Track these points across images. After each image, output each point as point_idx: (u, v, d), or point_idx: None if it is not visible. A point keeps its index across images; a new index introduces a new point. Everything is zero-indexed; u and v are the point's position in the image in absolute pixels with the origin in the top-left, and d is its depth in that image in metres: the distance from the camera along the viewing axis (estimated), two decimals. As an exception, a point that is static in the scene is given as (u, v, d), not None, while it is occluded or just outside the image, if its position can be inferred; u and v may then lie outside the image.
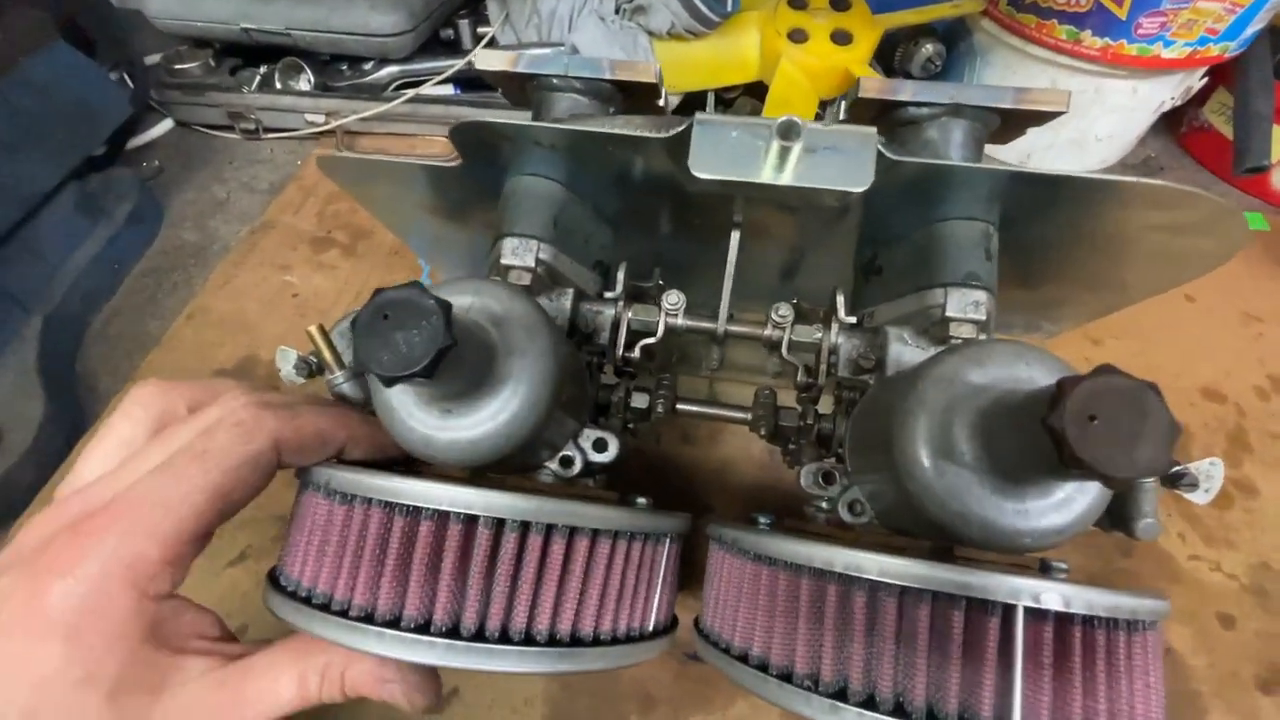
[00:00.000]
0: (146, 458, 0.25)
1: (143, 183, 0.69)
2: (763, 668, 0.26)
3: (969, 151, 0.37)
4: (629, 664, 0.28)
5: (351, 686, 0.26)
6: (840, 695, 0.24)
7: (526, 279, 0.35)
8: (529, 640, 0.25)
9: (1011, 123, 0.37)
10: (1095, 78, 0.66)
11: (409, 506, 0.25)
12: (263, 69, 0.79)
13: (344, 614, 0.25)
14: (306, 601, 0.26)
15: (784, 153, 0.29)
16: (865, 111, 0.38)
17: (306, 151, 0.77)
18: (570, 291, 0.36)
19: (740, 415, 0.40)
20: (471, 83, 0.77)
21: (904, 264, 0.38)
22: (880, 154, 0.30)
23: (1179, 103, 0.69)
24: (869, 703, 0.23)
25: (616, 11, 0.70)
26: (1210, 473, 0.30)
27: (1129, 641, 0.24)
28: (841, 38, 0.68)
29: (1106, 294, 0.44)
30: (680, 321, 0.37)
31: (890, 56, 0.78)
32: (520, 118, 0.35)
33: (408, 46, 0.73)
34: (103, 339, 0.61)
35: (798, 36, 0.68)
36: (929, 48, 0.75)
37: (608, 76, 0.38)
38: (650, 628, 0.30)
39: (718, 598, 0.31)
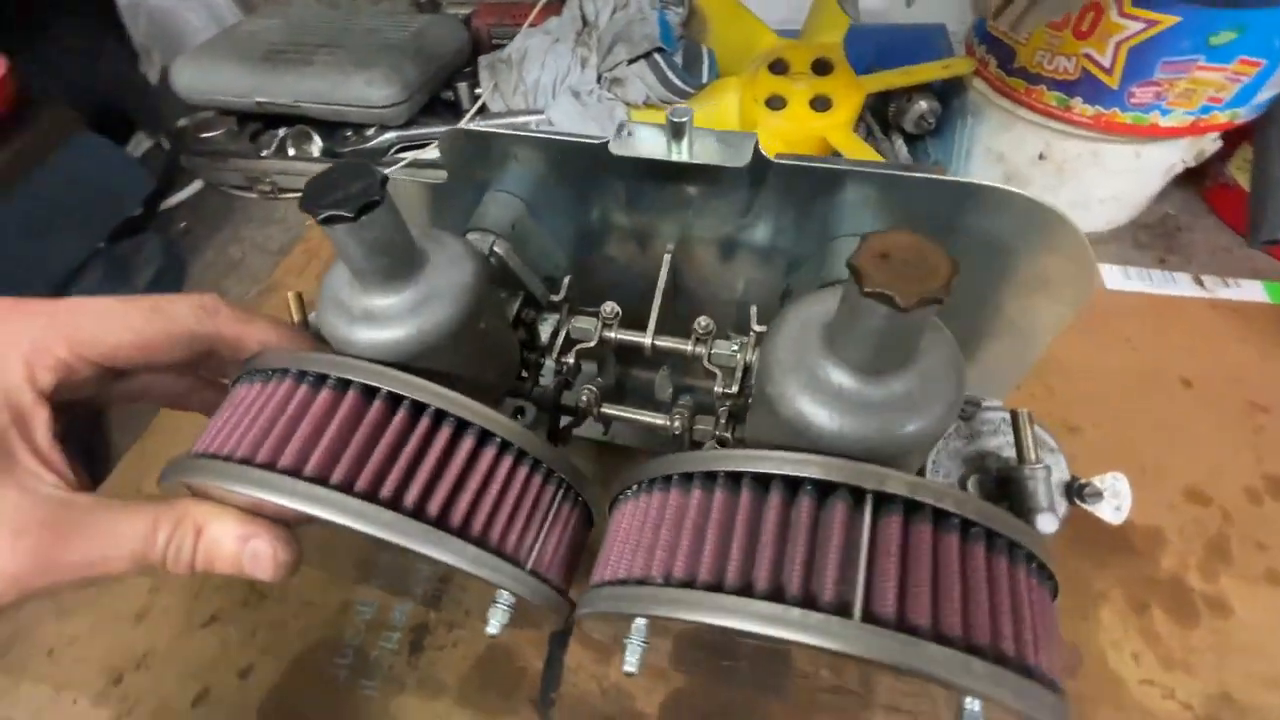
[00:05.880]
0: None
1: (168, 246, 0.76)
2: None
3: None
4: (500, 582, 0.26)
5: (206, 549, 0.25)
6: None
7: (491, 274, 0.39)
8: (417, 515, 0.25)
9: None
10: (1091, 142, 0.62)
11: (323, 376, 0.27)
12: (281, 132, 0.85)
13: (246, 464, 0.24)
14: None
15: (678, 133, 0.33)
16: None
17: (315, 212, 0.82)
18: (521, 295, 0.41)
19: (660, 420, 0.42)
20: (467, 144, 0.80)
21: (807, 280, 0.41)
22: (759, 152, 0.34)
23: (1194, 164, 0.65)
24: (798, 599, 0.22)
25: (599, 80, 0.71)
26: (1116, 488, 0.32)
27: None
28: (821, 104, 0.67)
29: (1005, 338, 0.44)
30: (614, 334, 0.40)
31: (885, 112, 0.76)
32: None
33: (403, 115, 0.77)
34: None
35: (776, 103, 0.67)
36: (923, 105, 0.72)
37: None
38: (530, 565, 0.28)
39: (611, 547, 0.29)
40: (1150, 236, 0.71)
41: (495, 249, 0.39)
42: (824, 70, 0.68)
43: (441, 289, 0.30)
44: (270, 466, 0.25)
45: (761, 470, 0.24)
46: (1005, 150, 0.69)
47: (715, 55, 0.69)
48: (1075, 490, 0.32)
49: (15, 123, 0.59)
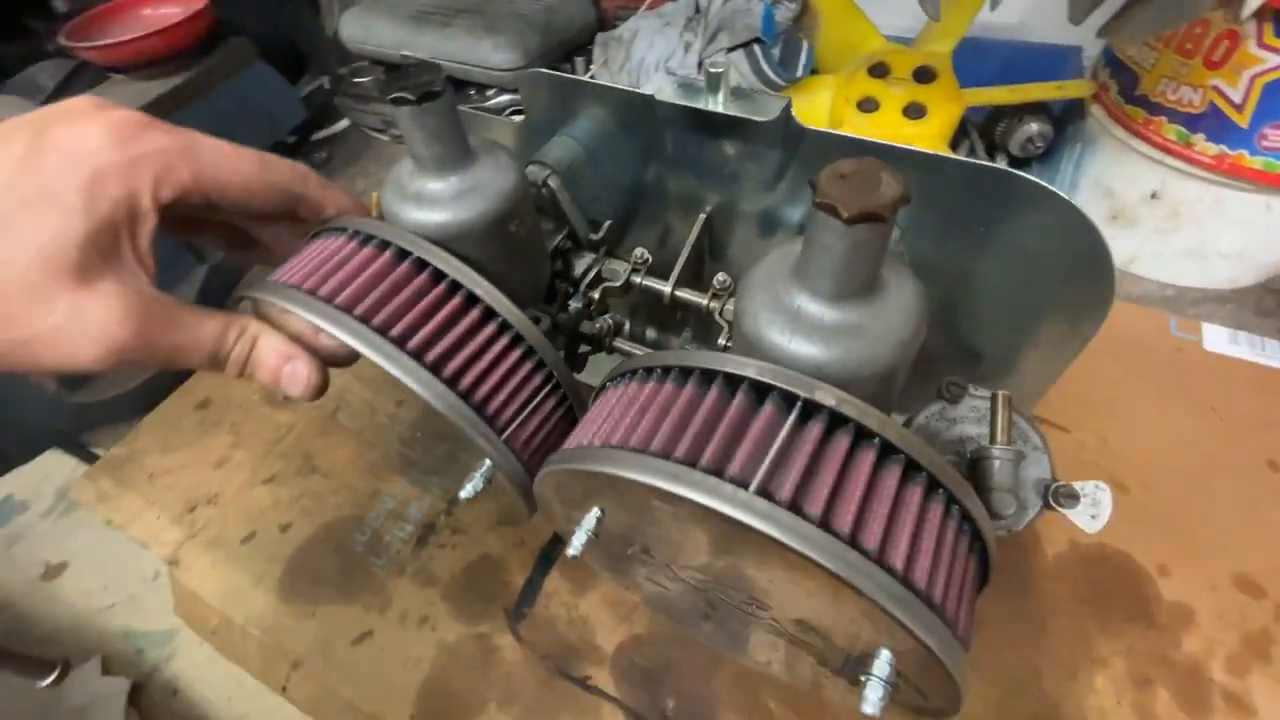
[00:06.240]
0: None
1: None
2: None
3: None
4: (472, 436, 0.30)
5: (255, 358, 0.29)
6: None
7: (530, 192, 0.44)
8: (416, 358, 0.29)
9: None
10: (1213, 186, 0.56)
11: (370, 237, 0.32)
12: (419, 85, 0.95)
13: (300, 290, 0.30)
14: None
15: (714, 83, 0.36)
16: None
17: (432, 159, 0.92)
18: (565, 229, 0.45)
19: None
20: (573, 114, 0.86)
21: None
22: (790, 115, 0.36)
23: (1344, 227, 0.57)
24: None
25: (699, 66, 0.74)
26: (1096, 496, 0.31)
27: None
28: (915, 111, 0.65)
29: (1031, 348, 0.41)
30: (640, 279, 0.44)
31: (993, 132, 0.73)
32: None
33: (520, 80, 0.84)
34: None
35: (868, 106, 0.66)
36: (1033, 127, 0.68)
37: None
38: (504, 435, 0.31)
39: (576, 429, 0.31)
40: (1279, 303, 0.63)
41: (548, 182, 0.44)
42: (926, 78, 0.66)
43: (482, 186, 0.34)
44: (312, 294, 0.30)
45: (706, 366, 0.26)
46: (1115, 185, 0.63)
47: (814, 52, 0.69)
48: (1051, 492, 0.31)
49: (207, 49, 0.71)
